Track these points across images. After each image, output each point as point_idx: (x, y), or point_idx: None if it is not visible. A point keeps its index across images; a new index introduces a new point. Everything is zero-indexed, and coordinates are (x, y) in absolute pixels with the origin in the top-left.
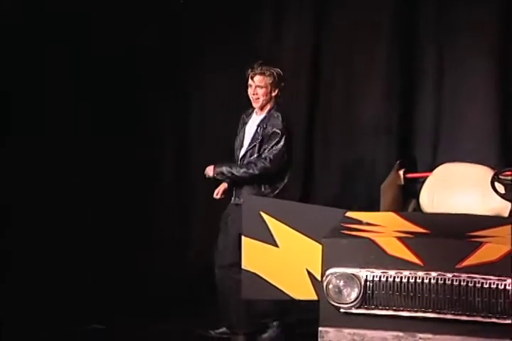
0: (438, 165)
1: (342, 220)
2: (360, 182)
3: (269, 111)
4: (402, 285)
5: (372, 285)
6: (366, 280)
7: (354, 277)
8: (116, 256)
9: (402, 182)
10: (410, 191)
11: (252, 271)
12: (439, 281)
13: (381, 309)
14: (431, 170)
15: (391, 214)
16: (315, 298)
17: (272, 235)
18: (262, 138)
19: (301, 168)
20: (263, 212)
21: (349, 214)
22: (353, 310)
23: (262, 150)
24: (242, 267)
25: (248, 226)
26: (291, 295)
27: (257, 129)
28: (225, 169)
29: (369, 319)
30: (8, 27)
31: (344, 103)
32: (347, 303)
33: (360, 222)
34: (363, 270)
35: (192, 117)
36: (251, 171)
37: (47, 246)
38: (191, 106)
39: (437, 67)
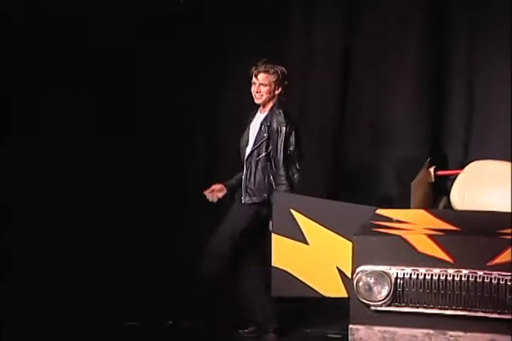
0: (469, 163)
1: (372, 218)
2: (390, 180)
3: (272, 108)
4: (433, 282)
5: (403, 283)
6: (397, 278)
7: (384, 274)
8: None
9: (433, 180)
10: (441, 188)
11: (282, 268)
12: (470, 279)
13: (411, 306)
14: (462, 167)
15: (421, 211)
16: (345, 295)
17: (302, 232)
18: (268, 136)
19: (331, 168)
20: (293, 209)
21: (379, 211)
22: (384, 308)
23: (269, 148)
24: (272, 264)
25: (278, 223)
26: (322, 292)
27: (261, 127)
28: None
29: (399, 316)
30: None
31: (374, 103)
32: (377, 301)
33: (390, 220)
34: (393, 267)
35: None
36: (283, 181)
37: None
38: (215, 106)
39: (468, 66)
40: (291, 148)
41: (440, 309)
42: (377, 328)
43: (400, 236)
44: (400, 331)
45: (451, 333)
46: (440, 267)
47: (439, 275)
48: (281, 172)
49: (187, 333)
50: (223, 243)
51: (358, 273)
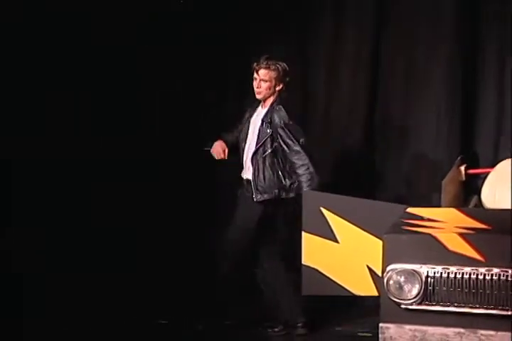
0: (500, 161)
1: (403, 216)
2: (420, 178)
3: (272, 104)
4: (464, 281)
5: (434, 282)
6: (427, 277)
7: (415, 273)
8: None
9: (464, 178)
10: (472, 187)
11: (312, 266)
12: (501, 278)
13: (442, 305)
14: (492, 165)
15: (452, 210)
16: (375, 294)
17: (332, 231)
18: (271, 132)
19: (361, 167)
20: (323, 207)
21: (410, 210)
22: (414, 306)
23: (274, 144)
24: (302, 263)
25: (308, 221)
26: (352, 291)
27: (262, 124)
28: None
29: (430, 315)
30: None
31: (403, 102)
32: (408, 299)
33: (421, 218)
34: (424, 266)
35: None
36: (308, 171)
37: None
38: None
39: (499, 64)
40: (302, 139)
41: (471, 308)
42: (407, 327)
43: (430, 235)
44: (430, 330)
45: (482, 332)
46: (471, 266)
47: (470, 274)
48: (301, 161)
49: (216, 333)
50: (239, 241)
51: (389, 271)
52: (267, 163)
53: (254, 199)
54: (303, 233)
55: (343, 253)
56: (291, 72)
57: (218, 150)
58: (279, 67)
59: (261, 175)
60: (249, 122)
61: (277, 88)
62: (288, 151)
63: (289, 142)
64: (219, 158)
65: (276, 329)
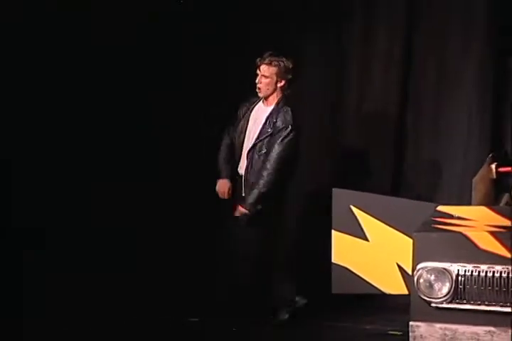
0: None
1: (433, 214)
2: (451, 176)
3: (278, 103)
4: (495, 279)
5: (464, 280)
6: (458, 275)
7: (445, 271)
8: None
9: (495, 176)
10: (503, 185)
11: (342, 264)
12: None
13: (473, 304)
14: None
15: (483, 208)
16: (405, 292)
17: (362, 229)
18: (271, 132)
19: (392, 166)
20: (353, 205)
21: (440, 208)
22: (445, 305)
23: (269, 144)
24: (332, 261)
25: (338, 220)
26: (382, 289)
27: (266, 122)
28: (251, 198)
29: (460, 314)
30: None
31: (434, 101)
32: (438, 298)
33: (451, 216)
34: (454, 264)
35: None
36: (266, 178)
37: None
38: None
39: None
40: (287, 151)
41: (502, 306)
42: (438, 325)
43: (461, 233)
44: (461, 328)
45: None
46: (502, 264)
47: (501, 273)
48: (269, 169)
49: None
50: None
51: (419, 270)
52: (261, 160)
53: (243, 195)
54: (333, 231)
55: (373, 251)
56: (326, 72)
57: (222, 190)
58: (281, 64)
59: (253, 171)
60: (249, 117)
61: (279, 85)
62: (271, 155)
63: (276, 147)
64: (222, 197)
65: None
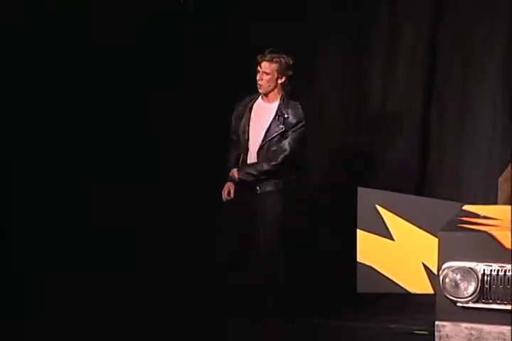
0: None
1: (459, 213)
2: (476, 176)
3: (283, 99)
4: None
5: (490, 280)
6: (483, 275)
7: (471, 271)
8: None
9: None
10: None
11: (368, 264)
12: None
13: (499, 303)
14: None
15: (509, 207)
16: (431, 291)
17: (387, 228)
18: (284, 129)
19: (416, 165)
20: (378, 205)
21: (466, 207)
22: (470, 304)
23: (282, 139)
24: (358, 260)
25: (363, 219)
26: (407, 288)
27: (275, 118)
28: (250, 169)
29: (486, 313)
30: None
31: (459, 99)
32: (464, 297)
33: (477, 216)
34: (480, 264)
35: None
36: (274, 162)
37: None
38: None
39: None
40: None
41: None
42: (463, 325)
43: (487, 233)
44: (486, 328)
45: None
46: None
47: None
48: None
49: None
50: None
51: (444, 269)
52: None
53: (258, 192)
54: (358, 230)
55: (399, 250)
56: (350, 72)
57: (228, 191)
58: (282, 60)
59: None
60: (249, 116)
61: (279, 81)
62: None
63: (289, 140)
64: (225, 198)
65: None
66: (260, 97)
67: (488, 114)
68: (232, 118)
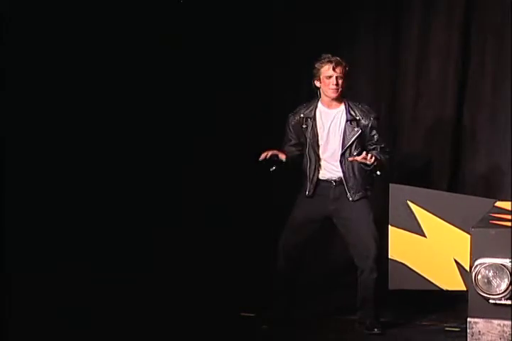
0: None
1: (491, 210)
2: (509, 174)
3: (345, 103)
4: None
5: None
6: None
7: (504, 267)
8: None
9: None
10: None
11: (399, 260)
12: None
13: None
14: None
15: None
16: (463, 288)
17: (419, 225)
18: (360, 131)
19: (449, 164)
20: (410, 201)
21: (499, 204)
22: (503, 301)
23: (366, 141)
24: (389, 257)
25: (395, 215)
26: (439, 285)
27: (348, 123)
28: (382, 157)
29: None
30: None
31: (491, 98)
32: (496, 294)
33: (510, 212)
34: None
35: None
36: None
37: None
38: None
39: None
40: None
41: None
42: (496, 322)
43: None
44: None
45: None
46: None
47: None
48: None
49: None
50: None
51: (477, 266)
52: (356, 164)
53: (350, 199)
54: (390, 227)
55: (431, 247)
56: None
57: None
58: (346, 64)
59: (352, 177)
60: (314, 124)
61: (345, 84)
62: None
63: (372, 134)
64: (262, 157)
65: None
66: (320, 104)
67: None
68: (290, 129)
